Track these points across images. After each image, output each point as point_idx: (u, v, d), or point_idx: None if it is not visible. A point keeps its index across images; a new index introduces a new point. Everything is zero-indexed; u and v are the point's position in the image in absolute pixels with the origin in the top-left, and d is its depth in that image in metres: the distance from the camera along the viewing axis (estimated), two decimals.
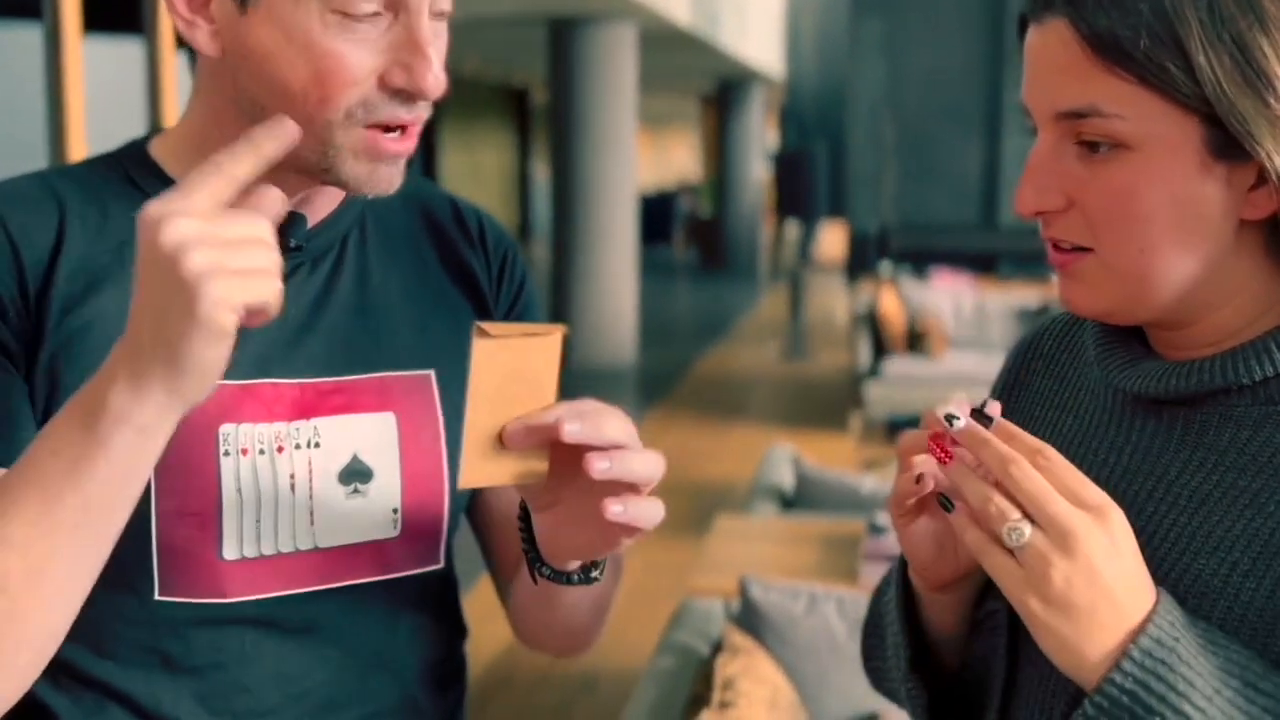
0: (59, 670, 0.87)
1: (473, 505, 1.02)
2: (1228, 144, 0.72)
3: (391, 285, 0.96)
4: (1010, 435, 0.73)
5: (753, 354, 10.03)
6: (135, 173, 0.91)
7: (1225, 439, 0.76)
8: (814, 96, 12.32)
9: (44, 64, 4.60)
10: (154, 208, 0.70)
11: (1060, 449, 0.85)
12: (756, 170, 16.48)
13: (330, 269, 0.94)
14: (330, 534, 0.90)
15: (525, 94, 20.96)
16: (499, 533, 1.02)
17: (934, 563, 0.84)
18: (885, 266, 8.28)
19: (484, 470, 0.79)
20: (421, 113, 0.85)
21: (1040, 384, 0.92)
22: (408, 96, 0.83)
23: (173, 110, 5.12)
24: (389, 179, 0.87)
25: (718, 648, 1.99)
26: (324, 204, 0.93)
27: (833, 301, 12.66)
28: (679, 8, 9.59)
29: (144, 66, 5.08)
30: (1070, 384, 0.89)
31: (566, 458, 0.79)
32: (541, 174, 20.19)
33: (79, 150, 4.62)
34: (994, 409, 0.75)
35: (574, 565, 0.88)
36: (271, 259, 0.71)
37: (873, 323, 6.83)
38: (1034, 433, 0.88)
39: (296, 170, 0.85)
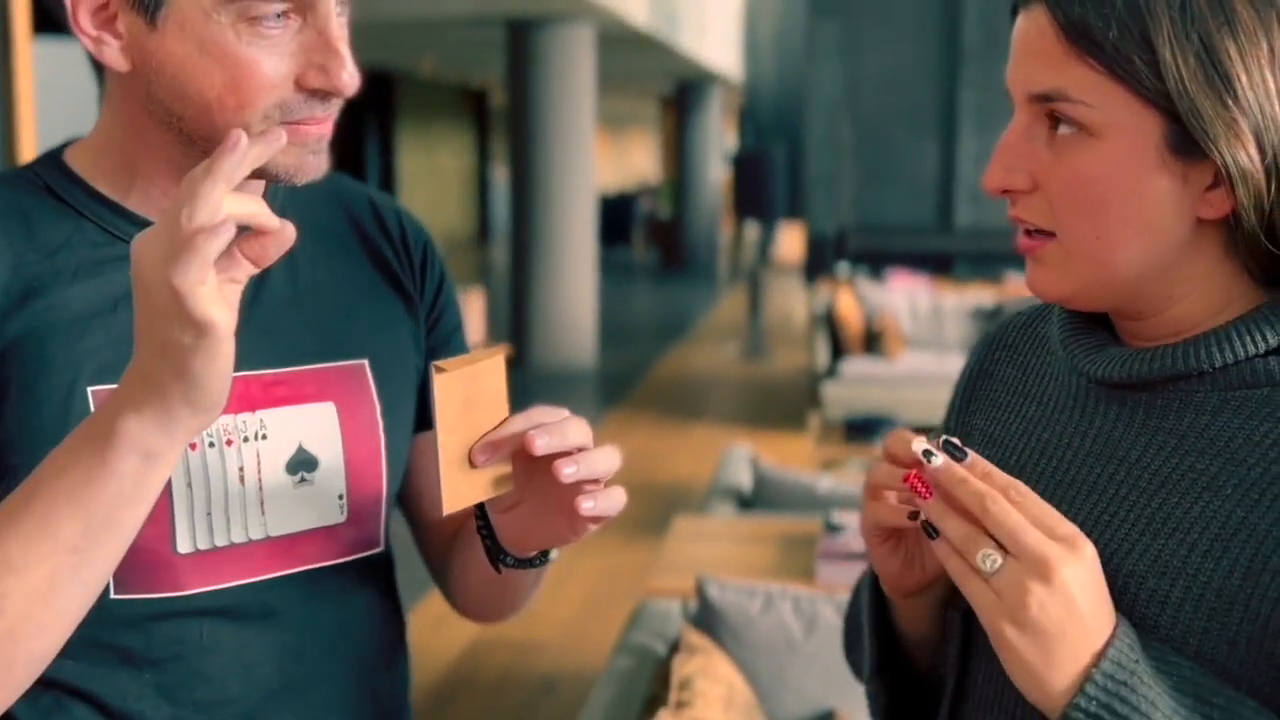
0: None
1: (402, 490, 1.04)
2: (1186, 142, 0.74)
3: (320, 278, 0.98)
4: (986, 473, 0.75)
5: (712, 354, 10.06)
6: (55, 183, 0.91)
7: (1185, 423, 0.78)
8: (772, 98, 12.39)
9: None
10: (141, 241, 0.72)
11: (1024, 434, 0.87)
12: (715, 171, 16.53)
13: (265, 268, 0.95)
14: (281, 522, 0.91)
15: (484, 95, 20.91)
16: (429, 515, 1.07)
17: (902, 574, 0.87)
18: (843, 267, 8.33)
19: (461, 492, 0.83)
20: (335, 109, 0.88)
21: (1004, 373, 0.94)
22: (324, 95, 0.85)
23: (28, 101, 5.06)
24: (316, 166, 0.88)
25: (675, 648, 2.01)
26: None
27: (792, 302, 12.72)
28: (637, 9, 9.60)
29: (93, 68, 5.03)
30: (1034, 372, 0.92)
31: (526, 463, 0.84)
32: (501, 176, 20.14)
33: (30, 151, 4.57)
34: (958, 445, 0.77)
35: (534, 551, 0.93)
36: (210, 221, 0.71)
37: (830, 323, 6.87)
38: (997, 418, 0.92)
39: None
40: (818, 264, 9.31)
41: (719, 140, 17.06)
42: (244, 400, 0.91)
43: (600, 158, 26.50)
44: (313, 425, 0.93)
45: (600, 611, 4.28)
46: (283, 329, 0.94)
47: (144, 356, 0.73)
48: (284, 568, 0.93)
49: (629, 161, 28.33)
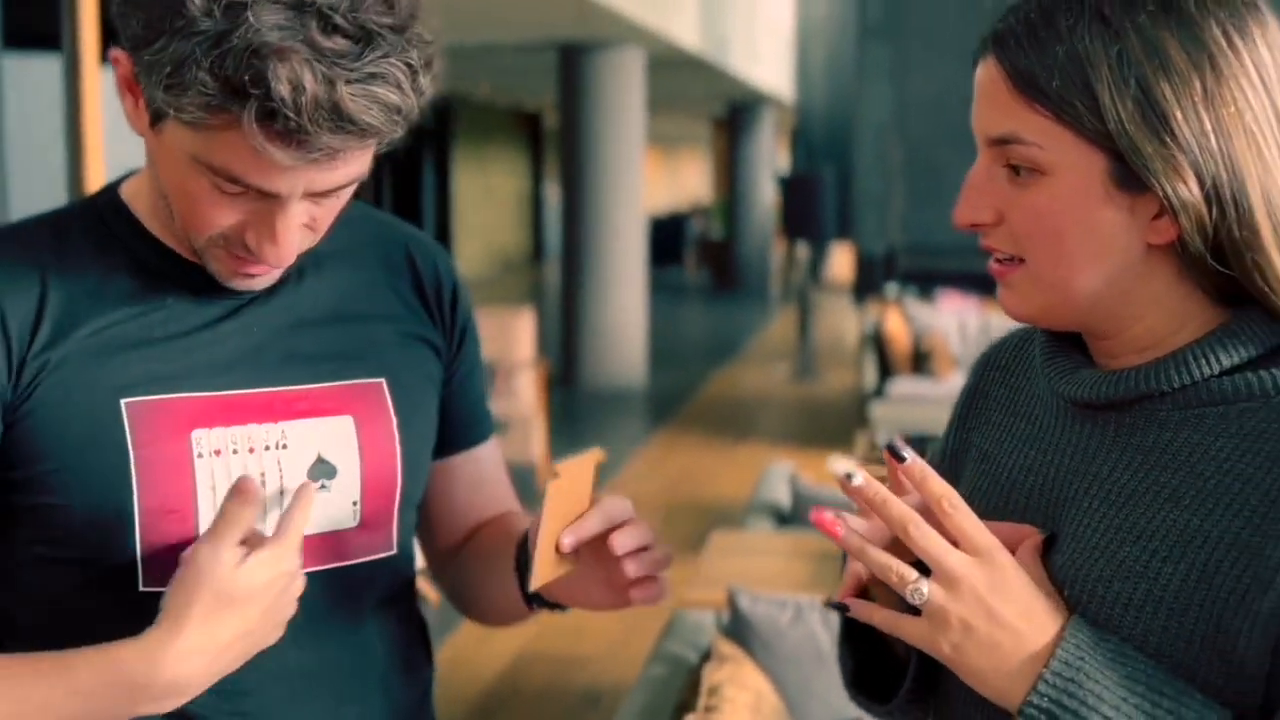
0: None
1: (420, 506, 1.12)
2: (1129, 176, 0.80)
3: (344, 305, 1.05)
4: (922, 478, 0.81)
5: (762, 375, 10.10)
6: (108, 216, 1.00)
7: (1150, 440, 0.84)
8: (823, 119, 12.42)
9: (63, 93, 4.71)
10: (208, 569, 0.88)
11: (1014, 450, 0.93)
12: (767, 192, 16.57)
13: (288, 294, 1.03)
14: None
15: (538, 117, 21.12)
16: (438, 532, 1.17)
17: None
18: (891, 288, 8.34)
19: (548, 569, 0.98)
20: (279, 268, 0.96)
21: (997, 392, 1.00)
22: (257, 254, 0.92)
23: (95, 130, 5.21)
24: (250, 285, 0.98)
25: (706, 656, 2.06)
26: None
27: (842, 322, 12.72)
28: (687, 33, 9.71)
29: (62, 83, 5.19)
30: (1023, 392, 0.97)
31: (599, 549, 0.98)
32: (554, 196, 20.30)
33: (97, 175, 4.73)
34: (903, 448, 0.83)
35: (568, 604, 1.07)
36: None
37: (878, 343, 6.89)
38: (991, 436, 0.97)
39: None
40: (867, 284, 9.33)
41: (771, 160, 17.11)
42: (267, 412, 0.98)
43: (653, 178, 26.65)
44: (331, 436, 1.00)
45: (643, 626, 4.33)
46: (308, 350, 1.02)
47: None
48: (303, 565, 0.99)
49: (682, 182, 28.44)
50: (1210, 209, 0.79)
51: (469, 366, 1.13)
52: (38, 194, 4.68)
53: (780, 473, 3.49)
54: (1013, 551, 0.82)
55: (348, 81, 0.82)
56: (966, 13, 9.22)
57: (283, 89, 0.81)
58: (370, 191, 17.39)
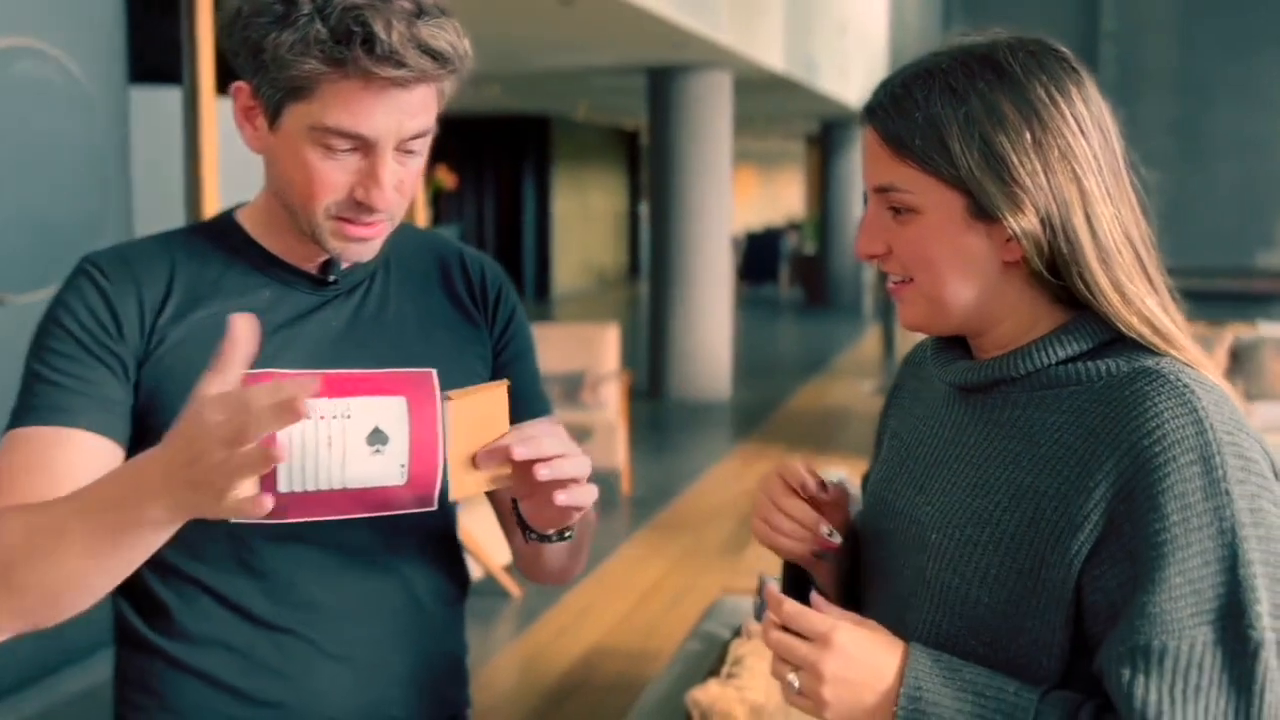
0: (167, 570, 1.22)
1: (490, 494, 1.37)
2: (982, 211, 1.03)
3: (406, 309, 1.32)
4: (777, 603, 1.04)
5: (847, 389, 10.22)
6: (227, 230, 1.29)
7: (1004, 416, 1.07)
8: None
9: (182, 123, 5.12)
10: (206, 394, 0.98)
11: (913, 429, 1.18)
12: (860, 208, 16.56)
13: (361, 296, 1.30)
14: (355, 478, 1.23)
15: (635, 135, 21.43)
16: (500, 508, 1.38)
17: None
18: None
19: (466, 484, 1.12)
20: (382, 219, 1.18)
21: (910, 384, 1.24)
22: (366, 208, 1.17)
23: (211, 160, 5.59)
24: (358, 252, 1.21)
25: (737, 634, 2.30)
26: None
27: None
28: (772, 55, 9.90)
29: (182, 114, 5.58)
30: (925, 382, 1.21)
31: (525, 467, 1.12)
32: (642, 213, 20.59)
33: (212, 198, 5.12)
34: (770, 591, 1.07)
35: (551, 530, 1.23)
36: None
37: None
38: (901, 418, 1.22)
39: (313, 240, 1.23)
40: None
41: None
42: (336, 389, 1.23)
43: (750, 195, 26.77)
44: (387, 412, 1.25)
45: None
46: (370, 341, 1.28)
47: (171, 458, 0.98)
48: (355, 511, 1.23)
49: (778, 198, 28.56)
50: (1045, 233, 1.02)
51: (515, 353, 1.36)
52: (160, 215, 5.08)
53: (835, 476, 3.69)
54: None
55: (420, 23, 1.12)
56: (1051, 31, 9.26)
57: (378, 27, 1.09)
58: (475, 210, 17.90)
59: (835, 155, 16.74)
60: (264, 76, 1.15)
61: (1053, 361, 1.05)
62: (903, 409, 1.22)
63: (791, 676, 1.03)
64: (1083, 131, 1.02)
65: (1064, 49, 1.06)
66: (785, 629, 1.03)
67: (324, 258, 1.26)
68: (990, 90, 1.02)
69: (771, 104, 13.18)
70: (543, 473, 1.10)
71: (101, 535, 1.04)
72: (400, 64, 1.11)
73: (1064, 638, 0.99)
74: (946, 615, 1.04)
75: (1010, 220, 1.01)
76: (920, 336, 1.26)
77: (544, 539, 1.24)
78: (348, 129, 1.13)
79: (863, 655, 1.01)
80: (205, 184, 5.08)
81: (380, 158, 1.15)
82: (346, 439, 1.23)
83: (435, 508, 1.30)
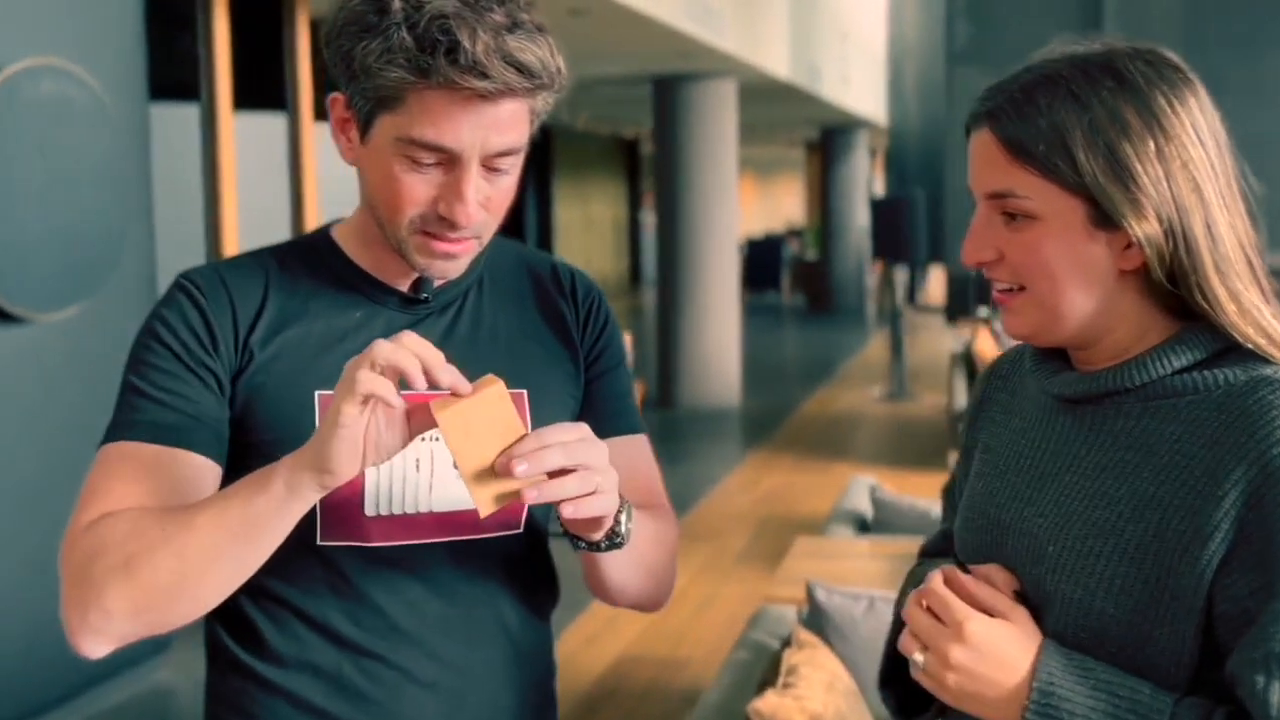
0: (259, 592, 1.22)
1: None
2: (1104, 218, 1.03)
3: (499, 327, 1.31)
4: (931, 580, 1.07)
5: (856, 396, 10.22)
6: (321, 246, 1.29)
7: (1117, 426, 1.07)
8: (917, 141, 12.52)
9: (201, 138, 5.12)
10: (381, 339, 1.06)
11: (1010, 442, 1.17)
12: (861, 214, 16.67)
13: (453, 315, 1.29)
14: (443, 502, 1.23)
15: (635, 144, 21.46)
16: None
17: None
18: (983, 309, 8.45)
19: (492, 496, 1.06)
20: (466, 235, 1.17)
21: (999, 397, 1.23)
22: (449, 223, 1.15)
23: (311, 179, 5.62)
24: (443, 269, 1.20)
25: (787, 643, 2.30)
26: None
27: (937, 343, 12.76)
28: (778, 63, 9.92)
29: (287, 139, 5.60)
30: (1018, 395, 1.20)
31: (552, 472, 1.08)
32: (651, 222, 20.64)
33: (231, 212, 5.13)
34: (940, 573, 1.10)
35: (598, 537, 1.18)
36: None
37: (969, 363, 7.02)
38: (993, 432, 1.22)
39: (400, 254, 1.23)
40: (958, 305, 9.42)
41: (865, 183, 17.21)
42: (427, 409, 1.23)
43: (748, 202, 26.81)
44: None
45: (738, 633, 4.56)
46: (462, 362, 1.23)
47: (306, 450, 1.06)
48: (441, 535, 1.23)
49: (777, 205, 28.60)
50: (1166, 241, 1.02)
51: (607, 366, 1.33)
52: (179, 227, 5.07)
53: (863, 484, 3.70)
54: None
55: (509, 36, 1.12)
56: (1055, 34, 9.29)
57: (464, 37, 1.09)
58: None
59: (836, 161, 16.77)
60: (355, 86, 1.15)
61: (1168, 372, 1.05)
62: (994, 422, 1.22)
63: (918, 655, 1.04)
64: (1200, 140, 1.03)
65: (1176, 58, 1.06)
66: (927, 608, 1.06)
67: (416, 275, 1.26)
68: (1113, 97, 1.02)
69: (774, 112, 13.21)
70: (530, 495, 1.06)
71: (227, 518, 1.07)
72: (484, 75, 1.10)
73: (1194, 647, 0.99)
74: (1069, 626, 1.04)
75: (1134, 227, 1.01)
76: (996, 349, 1.26)
77: (592, 547, 1.19)
78: (431, 141, 1.13)
79: (993, 650, 1.02)
80: (224, 201, 5.09)
81: (464, 172, 1.15)
82: (434, 462, 1.23)
83: (520, 530, 1.29)
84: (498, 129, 1.14)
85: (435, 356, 1.06)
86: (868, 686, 2.34)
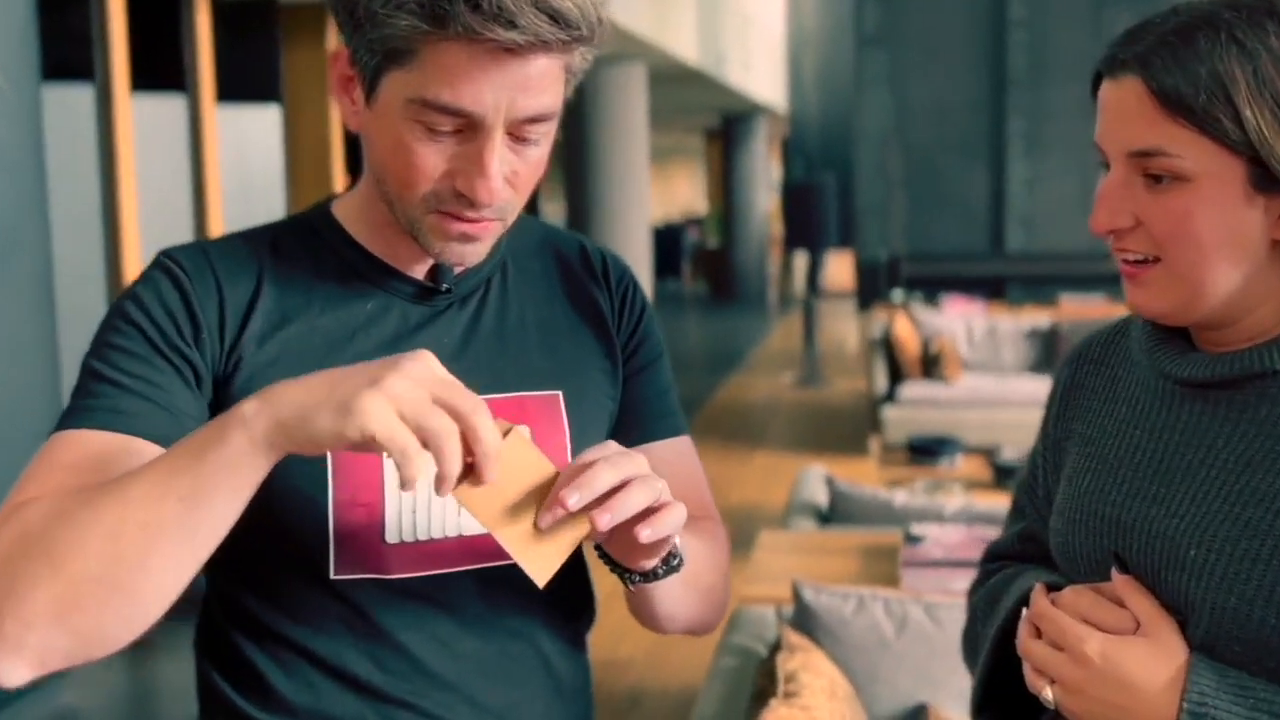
0: (262, 633, 1.05)
1: None
2: (1267, 180, 0.91)
3: (527, 319, 1.13)
4: (1035, 602, 0.99)
5: (768, 383, 10.19)
6: (320, 226, 1.10)
7: (1264, 413, 0.94)
8: (818, 128, 12.57)
9: (96, 120, 4.81)
10: (424, 356, 0.86)
11: (1117, 433, 1.04)
12: (762, 201, 16.70)
13: (476, 306, 1.11)
14: (472, 524, 1.06)
15: None
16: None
17: None
18: (897, 294, 8.47)
19: (545, 560, 0.91)
20: (488, 215, 0.99)
21: (1093, 383, 1.10)
22: (469, 201, 0.98)
23: (213, 160, 5.33)
24: (461, 254, 1.02)
25: (775, 648, 2.16)
26: None
27: (843, 329, 12.83)
28: (687, 47, 9.83)
29: (186, 120, 5.30)
30: (1121, 381, 1.07)
31: (592, 505, 0.92)
32: (551, 211, 20.41)
33: (129, 198, 4.83)
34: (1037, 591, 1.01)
35: (650, 564, 1.01)
36: (424, 460, 0.83)
37: (888, 348, 7.00)
38: (1092, 422, 1.08)
39: (412, 236, 1.04)
40: (870, 291, 9.44)
41: (765, 171, 17.24)
42: None
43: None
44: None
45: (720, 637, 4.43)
46: (489, 361, 1.10)
47: (306, 386, 0.85)
48: (472, 562, 1.07)
49: (674, 193, 28.59)
50: None
51: (646, 360, 1.18)
52: (74, 216, 4.77)
53: (815, 474, 3.60)
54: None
55: None
56: (963, 19, 9.39)
57: None
58: None
59: (736, 149, 16.76)
60: (360, 38, 0.97)
61: None
62: (1091, 411, 1.09)
63: (1048, 693, 0.93)
64: None
65: None
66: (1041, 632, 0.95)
67: (434, 261, 1.08)
68: None
69: (679, 97, 13.12)
70: (603, 520, 0.90)
71: (173, 484, 0.85)
72: (511, 24, 0.92)
73: None
74: (1221, 638, 0.91)
75: None
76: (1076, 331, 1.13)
77: (649, 577, 1.03)
78: (448, 103, 0.95)
79: (1127, 671, 0.91)
80: (122, 188, 4.78)
81: (487, 141, 0.97)
82: None
83: None
84: (527, 90, 0.95)
85: (472, 411, 0.85)
86: (861, 688, 2.22)
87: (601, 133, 9.18)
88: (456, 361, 1.08)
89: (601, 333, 1.16)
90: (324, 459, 1.02)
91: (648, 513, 0.93)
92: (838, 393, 9.46)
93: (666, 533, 0.94)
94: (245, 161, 5.60)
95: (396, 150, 0.99)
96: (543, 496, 0.91)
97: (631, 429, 1.17)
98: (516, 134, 0.98)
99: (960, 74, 9.29)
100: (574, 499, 0.89)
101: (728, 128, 16.87)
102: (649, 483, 0.93)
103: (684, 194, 28.63)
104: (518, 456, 0.91)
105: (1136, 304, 0.99)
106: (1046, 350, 6.95)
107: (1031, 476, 1.18)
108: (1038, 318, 7.15)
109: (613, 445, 0.95)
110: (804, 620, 2.27)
